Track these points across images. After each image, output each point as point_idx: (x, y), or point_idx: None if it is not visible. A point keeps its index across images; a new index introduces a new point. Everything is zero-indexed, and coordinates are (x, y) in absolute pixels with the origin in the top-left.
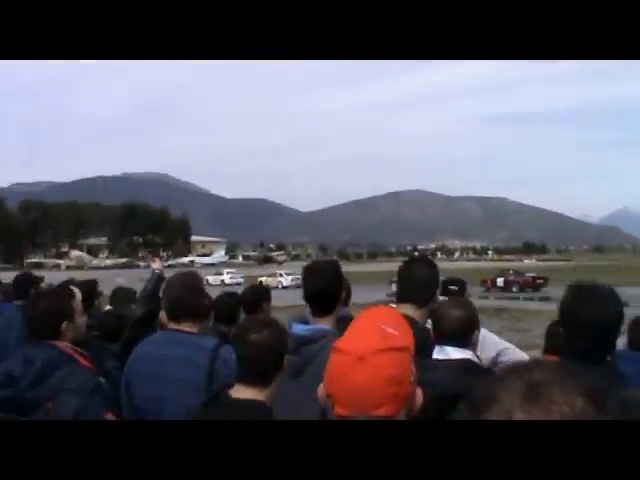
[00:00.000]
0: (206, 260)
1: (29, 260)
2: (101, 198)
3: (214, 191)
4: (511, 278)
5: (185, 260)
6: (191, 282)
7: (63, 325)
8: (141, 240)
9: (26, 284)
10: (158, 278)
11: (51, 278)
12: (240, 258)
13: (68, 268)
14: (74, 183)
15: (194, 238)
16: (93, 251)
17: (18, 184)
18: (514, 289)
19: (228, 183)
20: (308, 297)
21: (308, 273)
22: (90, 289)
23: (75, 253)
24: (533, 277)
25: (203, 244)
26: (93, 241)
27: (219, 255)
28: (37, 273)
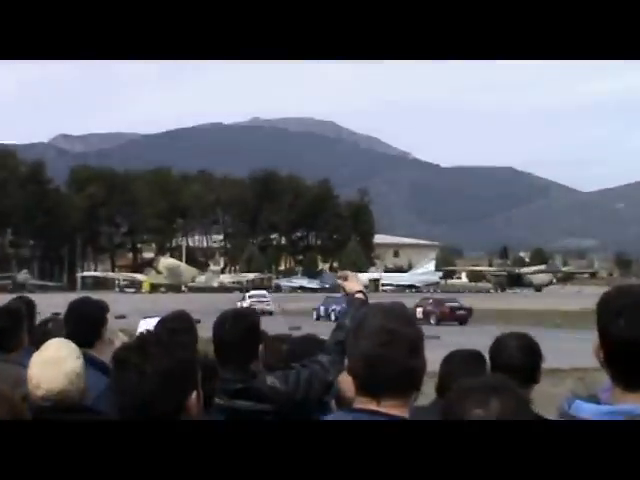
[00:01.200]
0: (401, 279)
1: (85, 273)
2: (215, 164)
3: (418, 155)
4: (429, 308)
5: (364, 277)
6: (403, 326)
7: (192, 397)
8: (283, 240)
9: (94, 320)
10: (361, 307)
11: (123, 307)
12: (463, 276)
13: (153, 288)
14: (166, 136)
15: (381, 238)
16: (198, 259)
17: (65, 136)
18: (432, 321)
19: None
20: (614, 355)
21: (629, 311)
22: (250, 324)
23: (167, 262)
24: (452, 307)
25: (396, 249)
26: (199, 241)
27: (425, 270)
28: (97, 296)
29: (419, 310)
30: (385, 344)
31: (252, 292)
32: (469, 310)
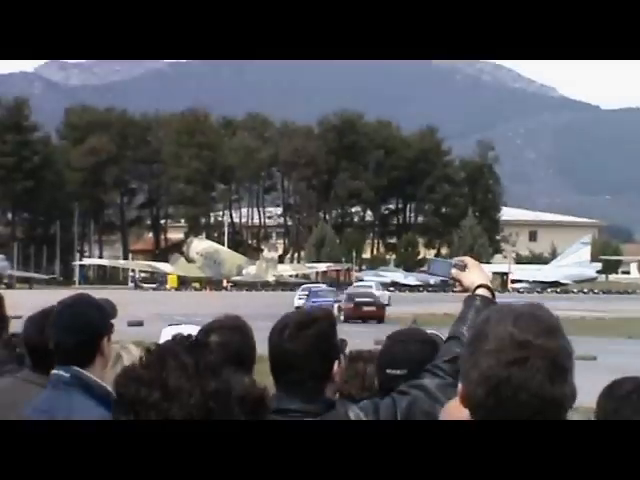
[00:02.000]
0: (540, 273)
1: (86, 261)
2: (272, 104)
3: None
4: (341, 304)
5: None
6: (543, 337)
7: None
8: (369, 215)
9: (92, 327)
10: (485, 308)
11: (139, 310)
12: (633, 270)
13: (183, 284)
14: (203, 64)
15: (511, 214)
16: (246, 242)
17: (59, 64)
18: (341, 318)
19: None
20: None
21: None
22: (320, 331)
23: (202, 246)
24: (358, 303)
25: (533, 229)
26: (247, 216)
27: (576, 260)
28: (102, 293)
29: (336, 306)
30: (516, 362)
31: (307, 285)
32: (381, 306)
